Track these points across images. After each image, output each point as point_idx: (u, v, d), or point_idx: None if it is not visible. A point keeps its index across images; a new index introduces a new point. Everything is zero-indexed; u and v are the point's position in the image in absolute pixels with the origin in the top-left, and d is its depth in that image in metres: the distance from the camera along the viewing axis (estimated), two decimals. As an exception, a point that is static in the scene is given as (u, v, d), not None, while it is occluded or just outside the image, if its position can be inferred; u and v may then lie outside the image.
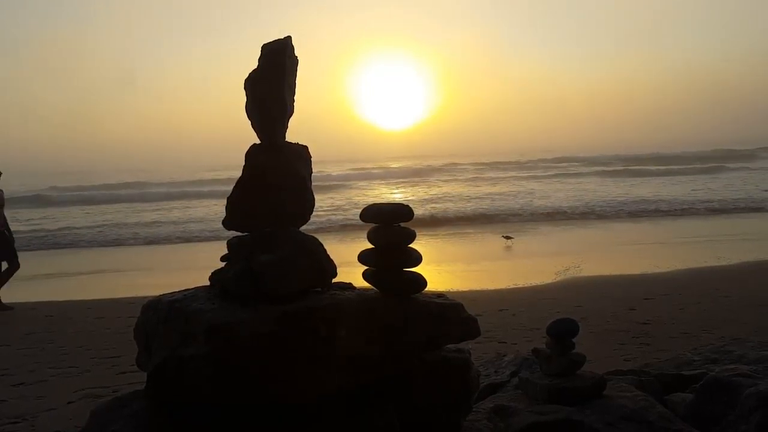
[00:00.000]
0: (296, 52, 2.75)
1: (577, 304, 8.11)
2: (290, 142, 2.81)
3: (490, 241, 15.30)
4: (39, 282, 12.34)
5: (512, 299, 8.74)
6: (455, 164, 51.22)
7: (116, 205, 29.15)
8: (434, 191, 31.17)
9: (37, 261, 15.80)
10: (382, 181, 40.55)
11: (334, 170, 46.70)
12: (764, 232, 15.10)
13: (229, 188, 2.78)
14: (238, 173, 2.74)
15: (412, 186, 35.86)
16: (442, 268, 11.65)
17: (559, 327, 3.51)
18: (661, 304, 8.00)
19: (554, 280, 10.05)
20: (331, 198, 27.61)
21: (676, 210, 20.13)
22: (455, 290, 9.23)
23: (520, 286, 9.20)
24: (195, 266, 13.41)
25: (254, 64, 2.69)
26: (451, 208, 22.89)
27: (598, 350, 5.58)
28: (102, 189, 37.04)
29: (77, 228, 21.14)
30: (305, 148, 2.84)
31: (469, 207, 22.93)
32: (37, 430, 4.67)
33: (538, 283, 9.72)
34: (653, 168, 39.22)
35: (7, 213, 10.01)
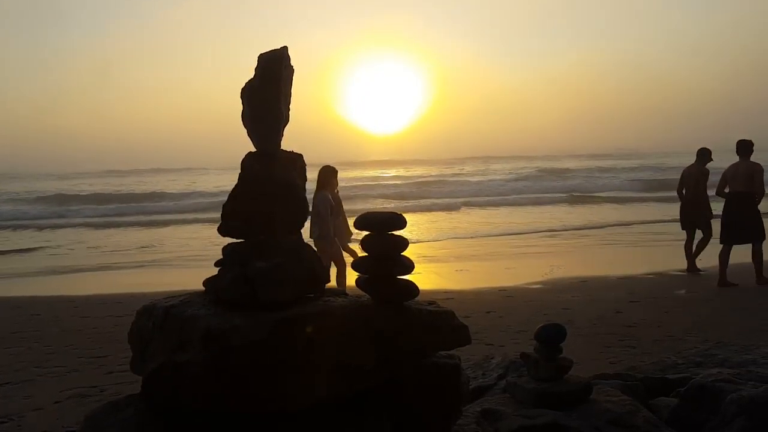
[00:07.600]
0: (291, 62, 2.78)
1: (564, 306, 8.19)
2: (285, 151, 2.84)
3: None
4: (30, 279, 12.27)
5: (499, 301, 8.82)
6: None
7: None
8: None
9: (26, 257, 15.71)
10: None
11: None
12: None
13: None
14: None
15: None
16: (431, 268, 11.71)
17: (547, 332, 3.56)
18: (647, 307, 8.10)
19: (541, 281, 10.13)
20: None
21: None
22: (443, 290, 9.29)
23: (508, 286, 9.27)
24: (182, 264, 13.41)
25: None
26: None
27: (585, 352, 5.66)
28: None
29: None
30: (300, 156, 2.87)
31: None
32: (24, 430, 4.65)
33: (526, 284, 9.80)
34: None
35: None
